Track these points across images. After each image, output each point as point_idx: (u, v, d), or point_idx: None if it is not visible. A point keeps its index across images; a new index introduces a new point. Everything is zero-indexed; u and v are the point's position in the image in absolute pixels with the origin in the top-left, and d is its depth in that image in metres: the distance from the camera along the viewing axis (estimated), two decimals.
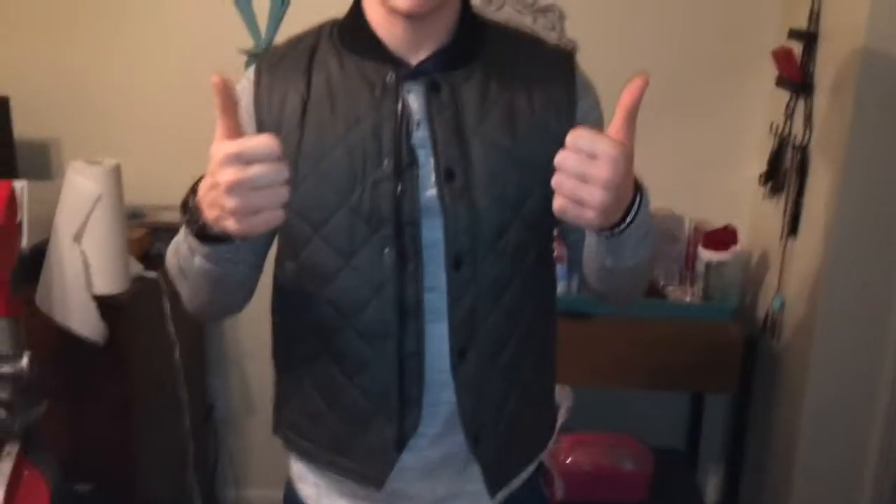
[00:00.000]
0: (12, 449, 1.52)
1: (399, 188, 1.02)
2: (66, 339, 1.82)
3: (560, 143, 0.86)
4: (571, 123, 1.05)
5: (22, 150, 2.30)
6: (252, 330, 2.46)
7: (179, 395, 2.18)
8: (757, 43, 2.25)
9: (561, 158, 0.84)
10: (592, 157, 0.83)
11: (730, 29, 2.31)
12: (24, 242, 1.76)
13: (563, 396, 1.98)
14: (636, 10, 2.31)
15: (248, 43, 2.36)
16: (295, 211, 1.03)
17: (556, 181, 0.85)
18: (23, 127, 2.28)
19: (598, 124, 1.09)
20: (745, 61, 2.31)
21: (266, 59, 1.11)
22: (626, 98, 0.87)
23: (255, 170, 0.81)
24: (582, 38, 2.26)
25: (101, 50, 2.42)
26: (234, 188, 0.81)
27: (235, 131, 0.85)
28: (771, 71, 2.18)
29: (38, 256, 1.83)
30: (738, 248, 2.23)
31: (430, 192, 1.04)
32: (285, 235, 1.11)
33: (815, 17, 2.02)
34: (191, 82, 2.34)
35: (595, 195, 0.83)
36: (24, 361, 1.52)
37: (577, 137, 0.84)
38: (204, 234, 0.93)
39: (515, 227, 1.06)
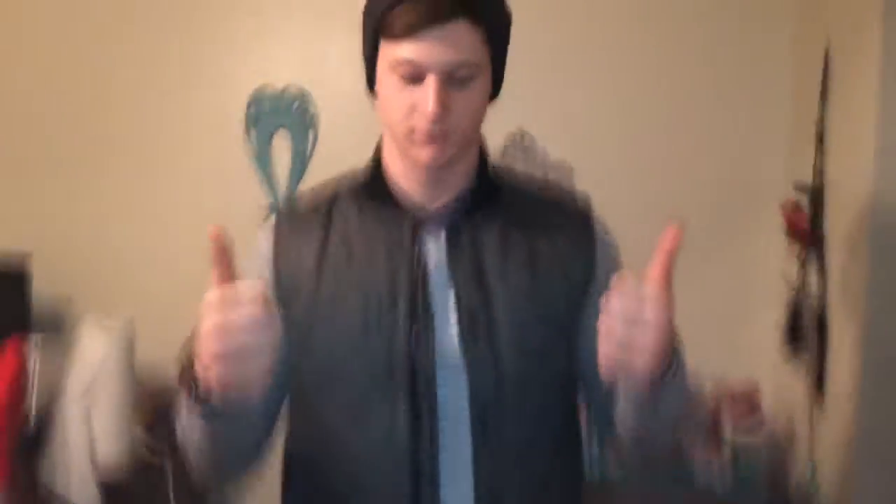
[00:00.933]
0: None
1: (413, 331, 1.01)
2: None
3: (580, 291, 0.87)
4: (591, 272, 1.06)
5: (38, 303, 2.35)
6: None
7: None
8: (765, 194, 2.28)
9: (611, 304, 0.85)
10: (641, 300, 0.84)
11: (737, 180, 2.34)
12: (33, 408, 1.74)
13: None
14: (644, 165, 2.36)
15: (263, 198, 2.43)
16: (307, 363, 1.03)
17: (606, 327, 0.85)
18: (39, 281, 2.33)
19: (618, 267, 1.10)
20: (755, 213, 2.33)
21: (286, 210, 1.14)
22: (666, 244, 0.89)
23: (239, 311, 0.82)
24: (591, 193, 2.30)
25: (121, 205, 2.52)
26: (218, 331, 0.82)
27: (228, 280, 0.87)
28: (781, 222, 2.20)
29: (42, 428, 1.80)
30: (765, 426, 2.17)
31: (448, 339, 1.02)
32: (295, 391, 1.09)
33: (819, 171, 2.04)
34: (206, 238, 2.39)
35: (648, 338, 0.83)
36: None
37: (625, 282, 0.85)
38: (199, 392, 0.92)
39: (540, 381, 1.04)
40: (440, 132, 0.99)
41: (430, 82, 0.97)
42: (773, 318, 2.25)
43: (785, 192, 2.19)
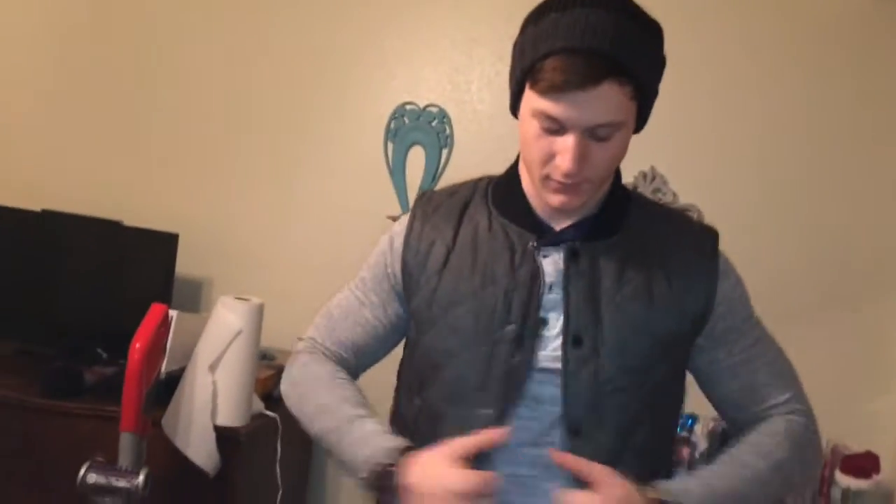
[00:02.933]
0: None
1: (516, 358, 1.04)
2: (181, 465, 1.87)
3: (694, 323, 0.88)
4: (711, 304, 1.07)
5: (178, 284, 2.50)
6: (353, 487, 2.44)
7: None
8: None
9: None
10: None
11: (873, 240, 2.26)
12: (164, 367, 1.87)
13: None
14: (778, 218, 2.32)
15: (396, 209, 2.52)
16: (423, 350, 1.10)
17: None
18: (182, 263, 2.48)
19: (741, 302, 1.11)
20: (891, 278, 2.23)
21: (422, 206, 1.18)
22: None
23: None
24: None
25: (264, 198, 2.65)
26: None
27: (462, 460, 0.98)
28: None
29: (171, 383, 1.94)
30: (879, 477, 2.06)
31: (550, 355, 1.04)
32: (414, 369, 1.14)
33: None
34: (337, 241, 2.51)
35: None
36: (141, 479, 1.59)
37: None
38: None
39: (637, 397, 1.04)
40: (574, 183, 1.01)
41: (570, 140, 0.97)
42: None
43: None
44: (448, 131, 2.54)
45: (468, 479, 0.95)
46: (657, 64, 1.02)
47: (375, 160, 2.58)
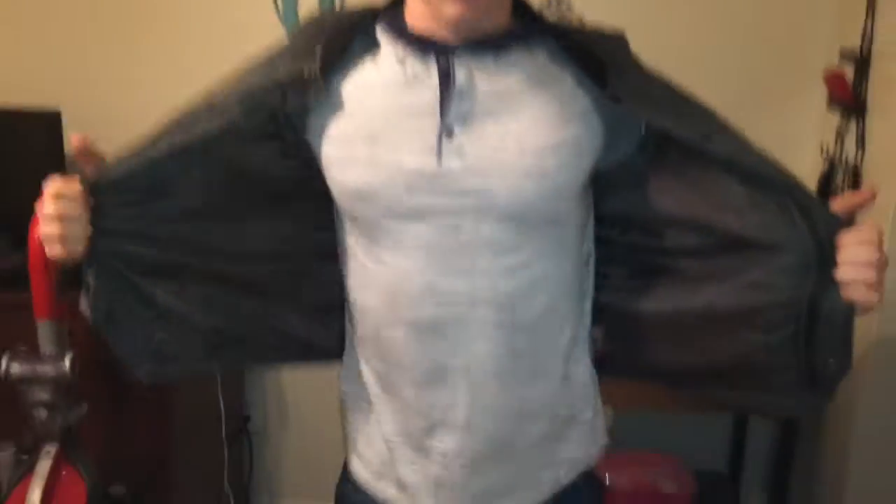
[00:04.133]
0: (52, 448, 1.55)
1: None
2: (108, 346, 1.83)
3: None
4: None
5: (72, 162, 2.34)
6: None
7: (217, 404, 2.19)
8: (809, 65, 2.21)
9: (859, 253, 0.91)
10: (876, 242, 0.91)
11: (781, 50, 2.27)
12: None
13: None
14: (686, 25, 2.29)
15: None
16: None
17: (865, 274, 0.91)
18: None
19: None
20: (797, 83, 2.27)
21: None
22: (861, 199, 0.96)
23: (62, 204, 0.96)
24: None
25: (150, 62, 2.47)
26: (43, 217, 0.96)
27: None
28: (822, 93, 2.14)
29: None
30: None
31: None
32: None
33: (867, 37, 1.98)
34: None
35: (883, 276, 0.92)
36: (66, 363, 1.54)
37: (861, 230, 0.92)
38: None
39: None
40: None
41: None
42: (809, 183, 2.22)
43: (831, 60, 2.12)
44: None
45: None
46: None
47: (267, 11, 2.42)
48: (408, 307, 1.01)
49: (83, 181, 0.98)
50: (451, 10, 0.94)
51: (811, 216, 0.94)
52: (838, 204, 0.95)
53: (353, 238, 1.06)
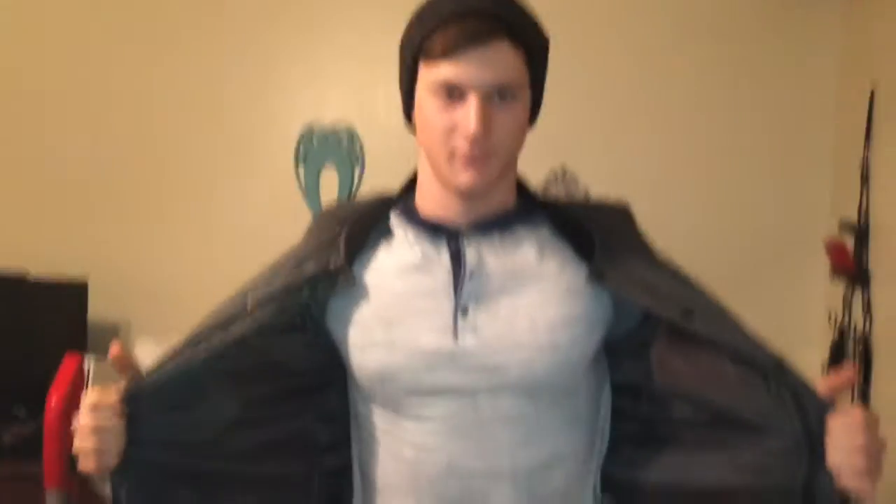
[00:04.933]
0: None
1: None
2: None
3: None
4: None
5: (94, 330, 2.42)
6: None
7: None
8: (810, 236, 2.27)
9: (853, 437, 0.89)
10: (870, 426, 0.89)
11: (782, 219, 2.35)
12: None
13: None
14: (688, 203, 2.38)
15: None
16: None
17: (854, 460, 0.89)
18: (96, 307, 2.40)
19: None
20: (800, 254, 2.32)
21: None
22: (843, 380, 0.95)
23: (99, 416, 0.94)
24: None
25: (176, 235, 2.59)
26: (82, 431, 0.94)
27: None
28: (825, 262, 2.18)
29: None
30: None
31: None
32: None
33: (864, 210, 2.05)
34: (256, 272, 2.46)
35: (878, 462, 0.89)
36: None
37: (853, 414, 0.90)
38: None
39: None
40: (481, 153, 0.98)
41: (472, 102, 0.96)
42: (818, 356, 2.22)
43: (830, 230, 2.18)
44: (358, 150, 2.53)
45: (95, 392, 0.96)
46: (542, 35, 1.03)
47: (288, 185, 2.55)
48: (430, 483, 1.02)
49: (120, 392, 0.97)
50: (464, 179, 0.99)
51: (800, 399, 0.94)
52: (823, 385, 0.94)
53: (374, 419, 1.08)
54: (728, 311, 1.04)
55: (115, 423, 0.95)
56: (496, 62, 0.96)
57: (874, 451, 0.88)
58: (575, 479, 1.07)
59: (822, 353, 2.20)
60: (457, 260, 1.03)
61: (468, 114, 0.96)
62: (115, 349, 0.98)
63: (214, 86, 2.58)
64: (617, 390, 1.13)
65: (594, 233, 1.05)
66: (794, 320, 2.33)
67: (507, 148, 1.01)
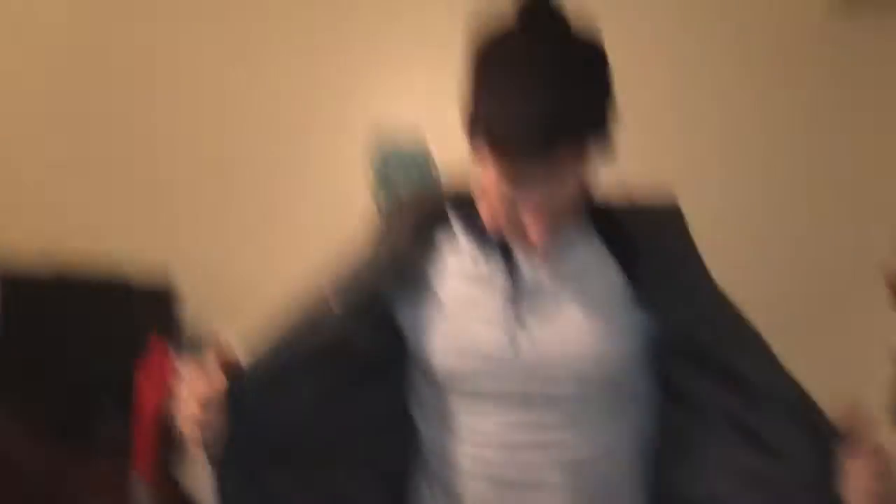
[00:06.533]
0: None
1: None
2: None
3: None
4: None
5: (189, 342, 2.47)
6: None
7: None
8: (871, 264, 2.21)
9: (861, 465, 0.94)
10: (879, 454, 0.95)
11: (842, 251, 2.29)
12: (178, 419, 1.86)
13: None
14: (745, 236, 2.35)
15: None
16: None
17: (863, 489, 0.93)
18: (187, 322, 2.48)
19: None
20: (861, 285, 2.25)
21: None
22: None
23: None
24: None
25: (256, 246, 2.65)
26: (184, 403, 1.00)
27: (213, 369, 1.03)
28: (885, 295, 2.14)
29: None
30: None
31: None
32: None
33: None
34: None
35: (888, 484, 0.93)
36: None
37: (865, 442, 0.95)
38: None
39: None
40: (546, 229, 0.99)
41: (533, 217, 0.97)
42: (879, 395, 2.17)
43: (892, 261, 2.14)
44: (434, 174, 2.52)
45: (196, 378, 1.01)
46: (606, 99, 0.97)
47: (358, 185, 2.57)
48: (489, 467, 1.11)
49: (224, 385, 1.02)
50: (534, 237, 1.00)
51: (818, 435, 0.99)
52: (844, 420, 0.99)
53: (438, 403, 1.14)
54: (764, 345, 1.08)
55: (220, 418, 1.01)
56: (555, 173, 0.94)
57: (884, 494, 0.93)
58: (621, 475, 1.14)
59: (885, 393, 2.14)
60: (516, 275, 1.08)
61: (531, 217, 0.97)
62: (213, 341, 1.06)
63: (283, 89, 2.62)
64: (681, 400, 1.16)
65: (640, 245, 1.09)
66: (853, 357, 2.26)
67: (570, 206, 1.02)
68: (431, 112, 2.53)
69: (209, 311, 2.61)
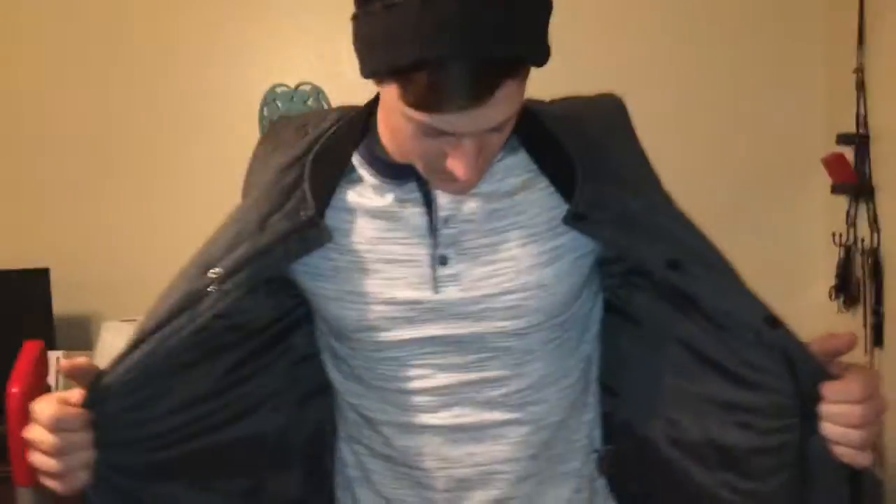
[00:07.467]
0: None
1: None
2: None
3: None
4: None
5: (63, 324, 2.31)
6: None
7: None
8: (805, 152, 2.18)
9: (860, 415, 0.80)
10: (871, 382, 0.81)
11: (776, 139, 2.25)
12: None
13: None
14: (679, 129, 2.27)
15: None
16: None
17: (850, 436, 0.80)
18: (61, 301, 2.30)
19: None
20: (798, 171, 2.24)
21: None
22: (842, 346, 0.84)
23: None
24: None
25: (137, 215, 2.48)
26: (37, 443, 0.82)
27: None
28: (824, 179, 2.09)
29: None
30: None
31: None
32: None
33: (862, 119, 1.95)
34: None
35: (877, 429, 0.81)
36: None
37: (866, 387, 0.80)
38: None
39: None
40: (471, 184, 0.86)
41: (466, 147, 0.80)
42: (823, 280, 2.14)
43: (827, 145, 2.09)
44: (325, 108, 2.41)
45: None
46: (547, 16, 0.80)
47: (251, 150, 2.43)
48: (420, 416, 0.96)
49: (81, 398, 0.84)
50: (452, 189, 0.88)
51: (792, 361, 0.84)
52: (818, 346, 0.84)
53: (355, 362, 0.99)
54: (719, 255, 0.93)
55: (81, 437, 0.83)
56: (496, 107, 0.77)
57: (872, 421, 0.80)
58: (568, 404, 1.00)
59: (827, 275, 2.11)
60: (429, 205, 0.91)
61: (459, 155, 0.81)
62: (66, 364, 0.85)
63: (170, 52, 2.46)
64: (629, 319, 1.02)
65: (576, 162, 0.91)
66: (796, 243, 2.25)
67: (498, 151, 0.88)
68: (324, 63, 2.44)
69: (86, 294, 2.45)
